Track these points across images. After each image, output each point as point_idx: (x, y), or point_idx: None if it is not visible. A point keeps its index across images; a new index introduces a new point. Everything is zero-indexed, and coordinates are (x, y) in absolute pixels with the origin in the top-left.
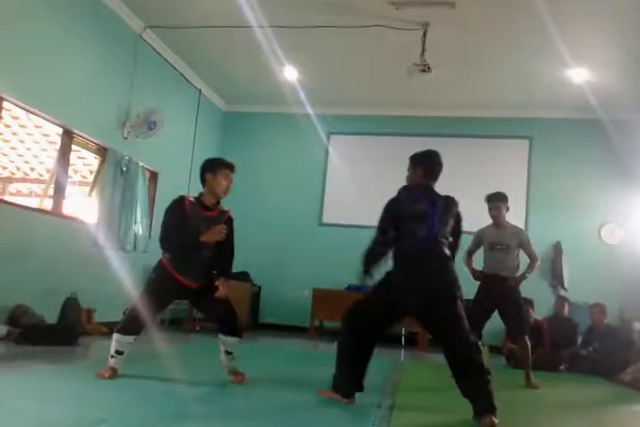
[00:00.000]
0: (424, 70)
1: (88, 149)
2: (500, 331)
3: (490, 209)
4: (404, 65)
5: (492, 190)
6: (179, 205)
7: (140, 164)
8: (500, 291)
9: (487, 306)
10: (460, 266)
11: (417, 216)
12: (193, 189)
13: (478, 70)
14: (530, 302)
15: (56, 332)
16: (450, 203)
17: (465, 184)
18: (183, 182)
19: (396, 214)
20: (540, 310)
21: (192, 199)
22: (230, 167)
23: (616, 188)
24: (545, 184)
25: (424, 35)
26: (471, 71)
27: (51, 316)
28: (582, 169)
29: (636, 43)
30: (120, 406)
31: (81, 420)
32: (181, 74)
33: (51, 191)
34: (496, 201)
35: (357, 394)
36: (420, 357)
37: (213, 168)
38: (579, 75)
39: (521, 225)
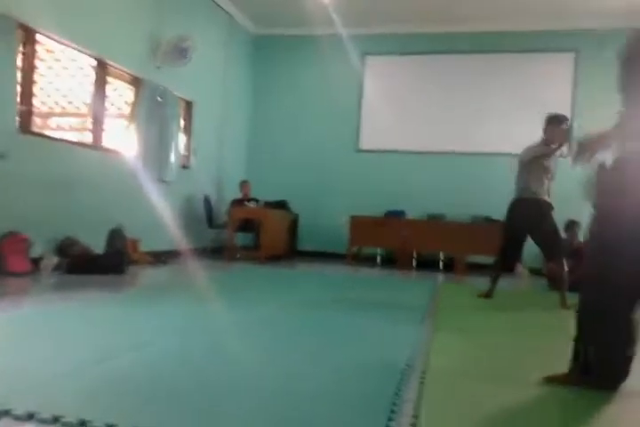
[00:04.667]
0: None
1: (123, 80)
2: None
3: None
4: None
5: (534, 108)
6: None
7: (175, 93)
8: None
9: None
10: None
11: None
12: (227, 118)
13: None
14: (577, 224)
15: (104, 261)
16: None
17: (505, 102)
18: (217, 110)
19: None
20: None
21: None
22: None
23: None
24: (591, 101)
25: None
26: None
27: (98, 247)
28: None
29: None
30: (166, 330)
31: (128, 342)
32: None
33: (89, 125)
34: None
35: (401, 311)
36: (457, 280)
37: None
38: None
39: None
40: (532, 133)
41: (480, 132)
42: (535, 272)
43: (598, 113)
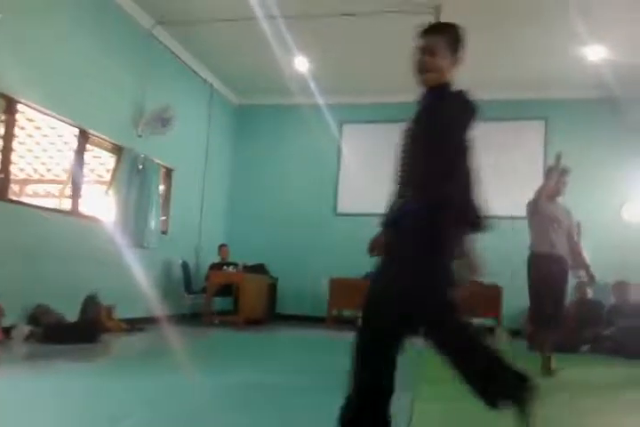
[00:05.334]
0: None
1: (104, 148)
2: (519, 314)
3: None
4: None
5: (510, 173)
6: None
7: (156, 161)
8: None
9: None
10: None
11: None
12: (208, 184)
13: (492, 51)
14: None
15: (77, 330)
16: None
17: (481, 169)
18: (198, 178)
19: None
20: None
21: None
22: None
23: (637, 164)
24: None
25: (436, 18)
26: (485, 52)
27: (72, 314)
28: (601, 148)
29: None
30: (145, 401)
31: (107, 415)
32: (192, 69)
33: (68, 191)
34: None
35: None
36: None
37: None
38: (595, 52)
39: None
40: (505, 198)
41: None
42: (514, 333)
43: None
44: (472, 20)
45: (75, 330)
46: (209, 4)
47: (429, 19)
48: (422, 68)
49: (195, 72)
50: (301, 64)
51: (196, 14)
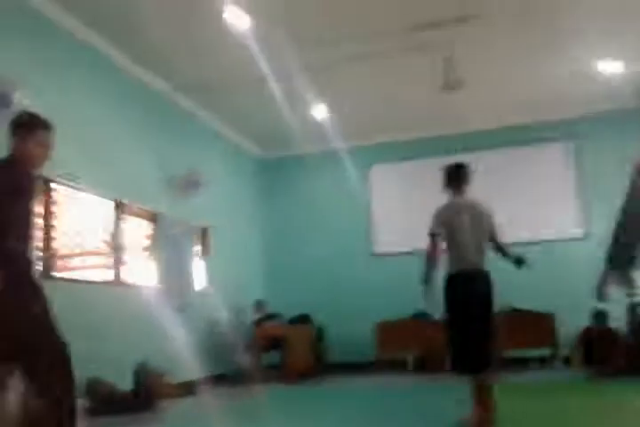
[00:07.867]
0: (454, 87)
1: (140, 216)
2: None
3: None
4: (434, 85)
5: (542, 196)
6: None
7: (191, 223)
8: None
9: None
10: None
11: None
12: (242, 240)
13: (509, 78)
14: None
15: (133, 400)
16: None
17: (510, 193)
18: (233, 235)
19: None
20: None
21: None
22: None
23: None
24: (597, 182)
25: (450, 53)
26: (502, 80)
27: (124, 382)
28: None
29: None
30: None
31: None
32: (215, 129)
33: (110, 262)
34: None
35: None
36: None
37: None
38: (611, 67)
39: (580, 229)
40: (542, 222)
41: None
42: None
43: (603, 191)
44: (487, 53)
45: (131, 400)
46: (223, 68)
47: (444, 54)
48: None
49: (218, 132)
50: (320, 112)
51: (212, 78)
